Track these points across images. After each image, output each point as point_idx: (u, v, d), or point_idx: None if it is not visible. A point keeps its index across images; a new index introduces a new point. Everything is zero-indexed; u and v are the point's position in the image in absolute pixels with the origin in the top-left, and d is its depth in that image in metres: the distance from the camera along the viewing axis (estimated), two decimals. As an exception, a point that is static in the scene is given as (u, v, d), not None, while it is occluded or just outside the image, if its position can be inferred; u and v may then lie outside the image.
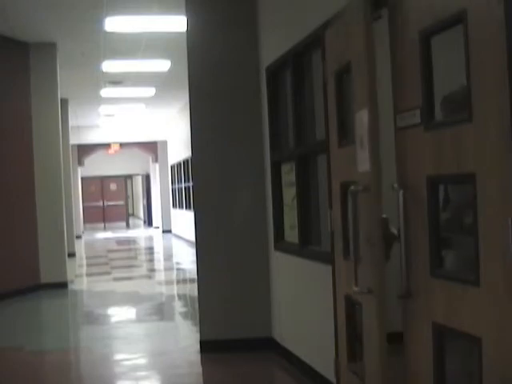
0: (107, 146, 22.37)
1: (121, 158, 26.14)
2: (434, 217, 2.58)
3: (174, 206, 21.14)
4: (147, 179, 27.58)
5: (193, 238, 6.10)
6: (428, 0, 2.56)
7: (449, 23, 2.40)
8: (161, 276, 11.94)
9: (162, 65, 11.36)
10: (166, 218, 22.19)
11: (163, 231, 22.23)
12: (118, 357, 5.88)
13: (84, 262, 14.49)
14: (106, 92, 13.87)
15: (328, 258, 3.85)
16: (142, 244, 19.83)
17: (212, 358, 5.40)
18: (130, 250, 17.40)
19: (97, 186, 31.70)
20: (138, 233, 24.28)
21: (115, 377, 5.23)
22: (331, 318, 3.79)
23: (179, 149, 18.79)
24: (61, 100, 10.34)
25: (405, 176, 2.74)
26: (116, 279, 10.97)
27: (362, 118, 2.96)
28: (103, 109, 16.54)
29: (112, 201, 32.04)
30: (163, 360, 5.52)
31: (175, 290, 10.29)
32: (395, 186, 2.76)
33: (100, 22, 8.46)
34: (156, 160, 23.26)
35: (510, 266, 2.07)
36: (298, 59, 4.73)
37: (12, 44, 9.30)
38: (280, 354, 5.23)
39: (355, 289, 2.98)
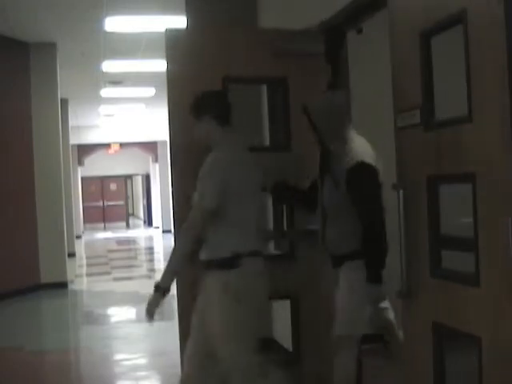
0: (107, 145, 22.37)
1: (121, 158, 26.14)
2: (434, 217, 2.58)
3: (174, 206, 21.09)
4: (147, 179, 27.57)
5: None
6: (428, 0, 2.56)
7: (449, 23, 2.40)
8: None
9: (162, 65, 11.35)
10: (166, 218, 22.18)
11: (163, 231, 22.22)
12: (118, 357, 5.88)
13: (84, 261, 14.49)
14: (106, 92, 13.87)
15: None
16: (142, 244, 19.84)
17: (212, 358, 5.40)
18: (130, 249, 17.41)
19: (97, 186, 31.69)
20: (138, 233, 24.28)
21: (115, 377, 5.23)
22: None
23: (179, 149, 18.73)
24: (61, 100, 10.34)
25: (405, 176, 2.74)
26: (116, 279, 10.97)
27: None
28: (103, 109, 16.53)
29: (112, 201, 32.02)
30: (163, 360, 5.52)
31: (175, 289, 10.28)
32: (395, 185, 2.76)
33: (100, 22, 8.46)
34: (156, 160, 23.25)
35: (510, 266, 2.07)
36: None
37: (12, 44, 9.29)
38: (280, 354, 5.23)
39: None
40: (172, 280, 3.10)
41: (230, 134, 3.18)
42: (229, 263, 3.02)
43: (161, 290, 3.05)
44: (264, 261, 3.12)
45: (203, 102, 3.21)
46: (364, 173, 3.21)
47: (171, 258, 3.10)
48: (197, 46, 3.68)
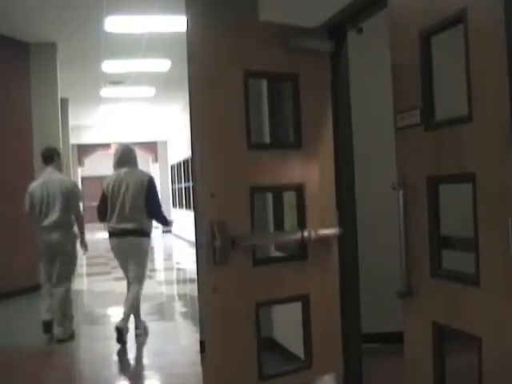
0: (107, 145, 22.37)
1: (121, 158, 26.11)
2: (434, 217, 2.58)
3: (174, 205, 21.13)
4: (147, 179, 27.55)
5: (193, 238, 6.09)
6: (428, 0, 2.56)
7: (449, 23, 2.40)
8: (161, 276, 11.95)
9: (162, 65, 11.36)
10: (165, 218, 22.17)
11: (163, 231, 22.22)
12: (118, 357, 5.87)
13: (84, 261, 14.49)
14: (106, 92, 13.88)
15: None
16: (142, 244, 19.80)
17: (212, 358, 5.39)
18: (130, 249, 17.37)
19: (97, 186, 31.65)
20: (138, 233, 24.22)
21: (115, 377, 5.23)
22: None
23: (179, 149, 18.78)
24: (61, 100, 10.34)
25: (405, 176, 2.74)
26: (116, 279, 10.95)
27: None
28: (103, 109, 16.55)
29: (112, 201, 31.97)
30: (163, 360, 5.52)
31: (175, 289, 10.29)
32: (395, 185, 2.76)
33: (100, 22, 8.47)
34: (156, 160, 23.25)
35: (510, 266, 2.07)
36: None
37: (12, 44, 9.30)
38: (280, 354, 5.23)
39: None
40: None
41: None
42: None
43: None
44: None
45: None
46: None
47: None
48: (216, 45, 3.67)
